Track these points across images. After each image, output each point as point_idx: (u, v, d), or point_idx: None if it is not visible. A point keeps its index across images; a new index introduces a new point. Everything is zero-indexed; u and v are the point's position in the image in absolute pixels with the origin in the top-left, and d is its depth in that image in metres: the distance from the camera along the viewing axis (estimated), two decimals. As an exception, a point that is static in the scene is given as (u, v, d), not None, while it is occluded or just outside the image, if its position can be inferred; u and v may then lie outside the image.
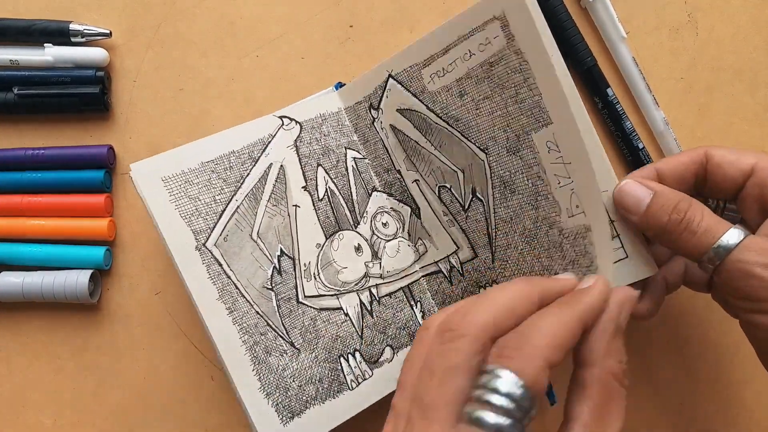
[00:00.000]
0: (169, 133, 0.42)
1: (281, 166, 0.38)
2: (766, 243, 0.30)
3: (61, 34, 0.41)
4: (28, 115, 0.42)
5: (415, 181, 0.39)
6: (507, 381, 0.24)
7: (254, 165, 0.38)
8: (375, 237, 0.40)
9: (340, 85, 0.41)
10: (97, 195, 0.41)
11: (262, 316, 0.36)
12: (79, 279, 0.40)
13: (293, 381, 0.36)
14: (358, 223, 0.40)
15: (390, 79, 0.39)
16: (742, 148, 0.35)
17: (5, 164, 0.41)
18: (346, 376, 0.37)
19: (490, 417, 0.24)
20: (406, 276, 0.40)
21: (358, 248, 0.39)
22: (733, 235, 0.31)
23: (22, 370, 0.42)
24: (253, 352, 0.36)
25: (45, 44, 0.41)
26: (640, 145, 0.41)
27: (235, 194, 0.37)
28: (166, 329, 0.41)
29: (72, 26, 0.41)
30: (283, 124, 0.39)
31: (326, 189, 0.39)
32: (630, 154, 0.41)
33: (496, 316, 0.26)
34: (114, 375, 0.42)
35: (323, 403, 0.36)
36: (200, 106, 0.42)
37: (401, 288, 0.40)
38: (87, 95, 0.41)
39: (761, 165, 0.33)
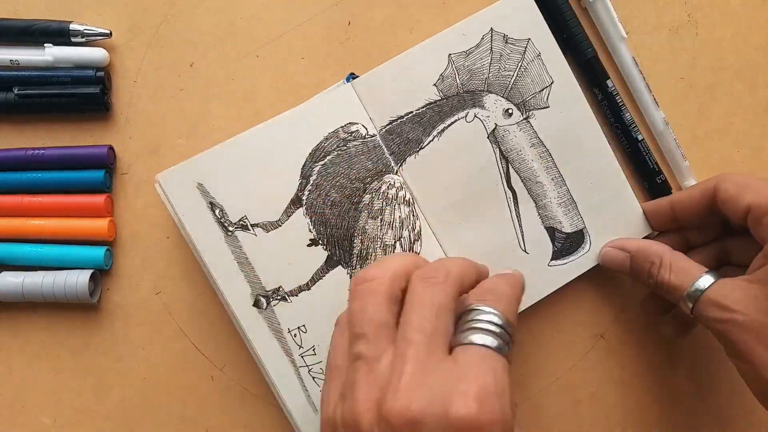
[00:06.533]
0: (169, 133, 0.42)
1: None
2: (719, 295, 0.33)
3: (61, 34, 0.41)
4: (28, 115, 0.42)
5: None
6: (493, 315, 0.29)
7: None
8: None
9: (352, 77, 0.41)
10: (97, 195, 0.41)
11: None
12: (80, 279, 0.40)
13: None
14: None
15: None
16: (749, 178, 0.35)
17: (5, 164, 0.41)
18: None
19: (484, 338, 0.28)
20: None
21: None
22: (702, 283, 0.34)
23: (22, 370, 0.42)
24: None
25: (45, 44, 0.41)
26: (640, 137, 0.41)
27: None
28: (166, 329, 0.41)
29: (72, 26, 0.41)
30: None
31: None
32: (629, 146, 0.41)
33: (463, 273, 0.31)
34: (114, 375, 0.42)
35: None
36: (200, 106, 0.42)
37: None
38: (87, 95, 0.41)
39: (756, 203, 0.33)
